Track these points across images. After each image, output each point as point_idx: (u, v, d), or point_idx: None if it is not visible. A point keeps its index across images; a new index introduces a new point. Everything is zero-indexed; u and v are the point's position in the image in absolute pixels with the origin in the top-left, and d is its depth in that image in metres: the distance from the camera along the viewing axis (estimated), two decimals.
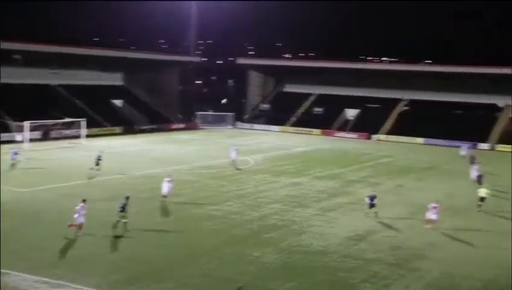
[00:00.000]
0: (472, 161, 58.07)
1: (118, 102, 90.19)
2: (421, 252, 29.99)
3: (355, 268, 27.12)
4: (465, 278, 26.44)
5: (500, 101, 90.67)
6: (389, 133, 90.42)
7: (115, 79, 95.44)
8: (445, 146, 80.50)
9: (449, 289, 25.15)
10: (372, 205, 36.55)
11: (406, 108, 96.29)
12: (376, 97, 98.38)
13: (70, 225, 29.80)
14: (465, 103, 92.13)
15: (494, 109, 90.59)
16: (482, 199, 39.98)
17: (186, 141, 77.35)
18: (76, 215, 29.77)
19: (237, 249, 29.26)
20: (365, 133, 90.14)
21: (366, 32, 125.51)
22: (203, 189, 44.11)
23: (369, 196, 37.01)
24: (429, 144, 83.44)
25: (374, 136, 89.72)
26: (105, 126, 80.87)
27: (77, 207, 30.00)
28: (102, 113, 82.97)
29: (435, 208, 34.35)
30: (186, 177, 48.06)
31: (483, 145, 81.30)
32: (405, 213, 38.72)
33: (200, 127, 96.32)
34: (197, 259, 27.49)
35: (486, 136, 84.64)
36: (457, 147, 72.89)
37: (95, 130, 76.06)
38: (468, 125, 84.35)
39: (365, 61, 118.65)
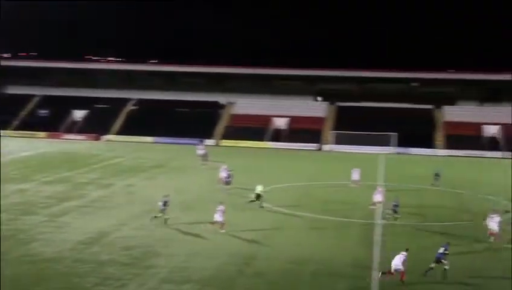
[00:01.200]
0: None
1: None
2: (155, 250, 30.48)
3: (89, 272, 26.62)
4: (196, 269, 27.52)
5: (222, 98, 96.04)
6: (119, 133, 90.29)
7: None
8: (174, 144, 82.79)
9: (183, 281, 25.97)
10: (163, 210, 35.37)
11: (135, 107, 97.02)
12: (104, 97, 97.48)
13: None
14: (190, 101, 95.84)
15: (218, 106, 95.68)
16: (258, 195, 41.03)
17: None
18: None
19: None
20: (94, 134, 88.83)
21: (91, 32, 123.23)
22: None
23: (162, 201, 35.62)
24: (158, 143, 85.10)
25: (104, 137, 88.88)
26: None
27: None
28: None
29: (220, 210, 34.30)
30: None
31: (209, 142, 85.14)
32: (137, 212, 38.98)
33: None
34: None
35: (211, 133, 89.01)
36: (186, 144, 76.11)
37: None
38: (194, 123, 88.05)
39: (92, 61, 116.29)
